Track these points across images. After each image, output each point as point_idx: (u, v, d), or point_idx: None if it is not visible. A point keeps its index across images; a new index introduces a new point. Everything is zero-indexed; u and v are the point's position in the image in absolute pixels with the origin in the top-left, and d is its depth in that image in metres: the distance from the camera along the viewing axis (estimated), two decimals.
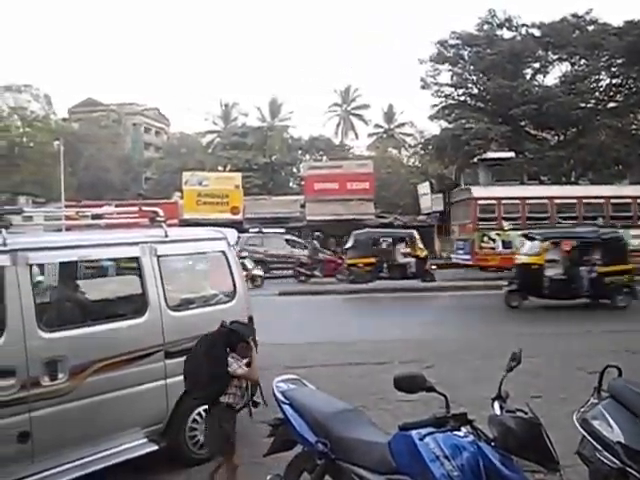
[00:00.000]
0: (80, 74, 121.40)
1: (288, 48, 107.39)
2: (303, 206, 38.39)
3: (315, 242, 27.29)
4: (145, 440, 5.49)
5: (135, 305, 5.77)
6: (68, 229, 7.82)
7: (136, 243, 5.76)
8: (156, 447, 5.45)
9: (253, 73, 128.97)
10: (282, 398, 4.37)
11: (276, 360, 9.27)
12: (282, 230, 31.11)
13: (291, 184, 60.42)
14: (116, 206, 17.83)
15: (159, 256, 5.81)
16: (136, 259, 5.70)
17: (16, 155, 49.46)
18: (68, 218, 7.09)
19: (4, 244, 4.80)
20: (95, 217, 6.93)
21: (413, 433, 3.35)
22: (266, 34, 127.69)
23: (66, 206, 27.36)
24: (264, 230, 29.78)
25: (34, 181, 46.84)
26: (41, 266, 5.83)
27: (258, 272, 24.12)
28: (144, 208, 6.77)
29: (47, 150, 47.30)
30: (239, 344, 4.86)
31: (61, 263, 5.69)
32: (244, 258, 25.09)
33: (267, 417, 4.66)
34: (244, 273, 23.70)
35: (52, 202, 36.82)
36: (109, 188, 51.91)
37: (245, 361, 4.87)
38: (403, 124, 69.21)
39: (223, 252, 6.50)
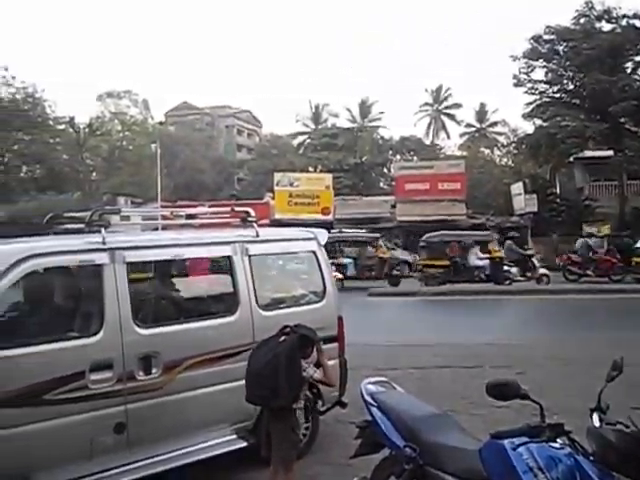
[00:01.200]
0: (176, 78, 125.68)
1: (380, 48, 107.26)
2: (394, 207, 38.16)
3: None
4: (234, 437, 5.56)
5: (226, 304, 5.85)
6: (164, 228, 8.08)
7: (228, 242, 5.84)
8: (245, 444, 5.49)
9: (343, 74, 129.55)
10: (370, 400, 4.32)
11: (366, 361, 9.22)
12: (363, 231, 30.81)
13: (381, 185, 60.40)
14: (209, 206, 18.37)
15: (250, 255, 5.86)
16: (228, 258, 5.79)
17: (116, 158, 51.83)
18: (164, 218, 7.30)
19: (103, 242, 4.96)
20: (189, 217, 7.10)
21: (506, 442, 3.19)
22: (360, 35, 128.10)
23: (162, 206, 28.26)
24: (344, 230, 29.58)
25: (132, 182, 48.90)
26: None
27: (545, 271, 24.01)
28: (236, 208, 6.89)
29: (145, 153, 49.29)
30: (307, 348, 4.82)
31: (157, 261, 5.84)
32: (531, 257, 24.88)
33: (356, 418, 4.63)
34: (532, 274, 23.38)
35: (149, 202, 38.26)
36: (203, 189, 53.51)
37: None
38: (495, 123, 68.01)
39: (313, 252, 6.50)
